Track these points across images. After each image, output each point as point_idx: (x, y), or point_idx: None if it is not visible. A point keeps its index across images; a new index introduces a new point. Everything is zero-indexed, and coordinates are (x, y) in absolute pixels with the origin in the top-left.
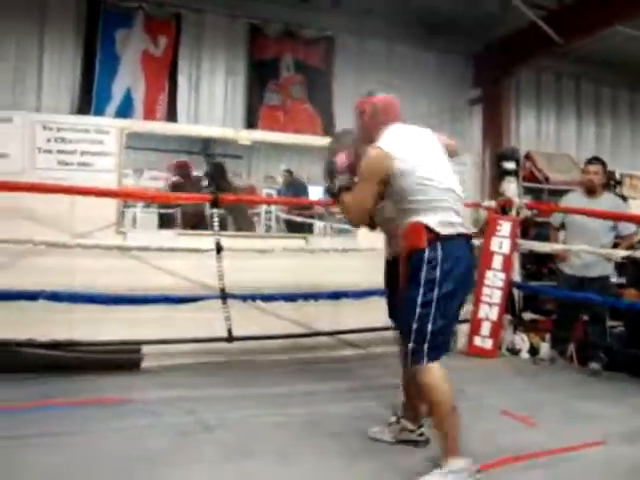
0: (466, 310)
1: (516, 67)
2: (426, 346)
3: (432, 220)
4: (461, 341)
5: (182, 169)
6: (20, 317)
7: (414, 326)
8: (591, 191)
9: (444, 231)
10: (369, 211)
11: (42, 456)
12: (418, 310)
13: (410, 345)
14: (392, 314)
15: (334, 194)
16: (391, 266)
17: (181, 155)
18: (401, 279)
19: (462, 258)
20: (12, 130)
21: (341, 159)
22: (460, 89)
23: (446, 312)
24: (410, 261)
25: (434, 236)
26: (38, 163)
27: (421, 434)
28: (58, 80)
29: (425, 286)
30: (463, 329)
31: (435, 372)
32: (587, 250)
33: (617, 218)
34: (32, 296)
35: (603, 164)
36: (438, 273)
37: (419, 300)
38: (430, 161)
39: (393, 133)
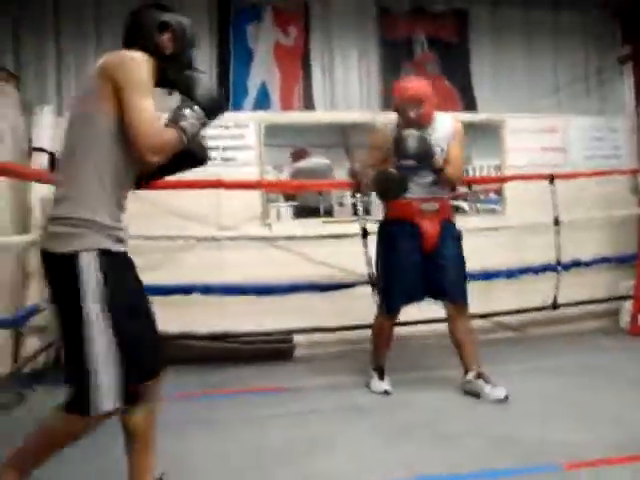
0: (628, 286)
1: None
2: None
3: None
4: (624, 320)
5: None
6: (176, 311)
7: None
8: None
9: None
10: None
11: (211, 442)
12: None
13: (463, 288)
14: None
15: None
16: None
17: (319, 149)
18: (433, 239)
19: None
20: None
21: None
22: (607, 48)
23: None
24: (447, 226)
25: None
26: None
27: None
28: None
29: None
30: (626, 307)
31: None
32: None
33: None
34: (186, 290)
35: None
36: None
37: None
38: None
39: None
